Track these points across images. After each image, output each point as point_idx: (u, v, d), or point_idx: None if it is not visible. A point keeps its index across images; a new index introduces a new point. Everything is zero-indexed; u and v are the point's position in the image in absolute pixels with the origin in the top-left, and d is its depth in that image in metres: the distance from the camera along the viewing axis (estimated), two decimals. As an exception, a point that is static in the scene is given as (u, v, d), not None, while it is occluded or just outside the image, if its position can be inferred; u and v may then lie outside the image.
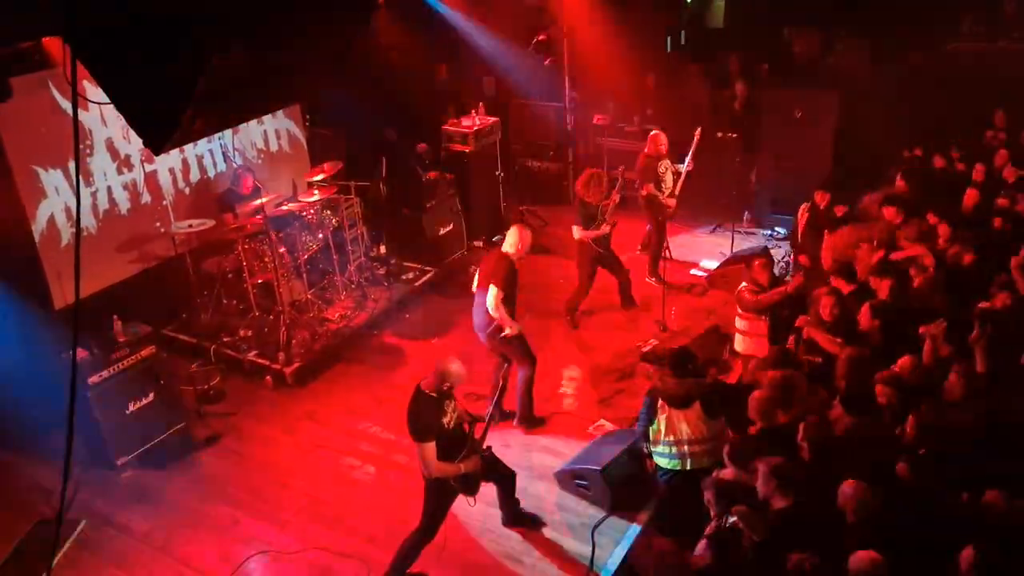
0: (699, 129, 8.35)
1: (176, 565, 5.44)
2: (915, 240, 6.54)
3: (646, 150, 8.38)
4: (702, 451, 4.98)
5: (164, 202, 7.95)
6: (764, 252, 7.53)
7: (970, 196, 7.30)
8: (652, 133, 8.40)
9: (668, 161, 8.35)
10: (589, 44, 10.29)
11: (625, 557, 5.08)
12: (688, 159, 8.31)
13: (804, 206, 7.46)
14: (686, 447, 4.98)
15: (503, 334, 6.08)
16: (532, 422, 6.58)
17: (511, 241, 6.18)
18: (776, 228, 9.64)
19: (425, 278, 8.89)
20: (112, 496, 6.05)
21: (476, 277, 6.40)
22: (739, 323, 6.43)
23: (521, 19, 10.45)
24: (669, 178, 8.37)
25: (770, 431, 4.75)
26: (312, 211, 8.04)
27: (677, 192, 8.34)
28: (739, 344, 6.47)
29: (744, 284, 6.32)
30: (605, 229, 7.60)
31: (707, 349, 6.99)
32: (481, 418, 5.03)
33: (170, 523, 5.80)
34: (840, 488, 3.93)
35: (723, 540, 3.99)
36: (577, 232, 7.64)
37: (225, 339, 7.64)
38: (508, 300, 6.09)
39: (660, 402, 5.00)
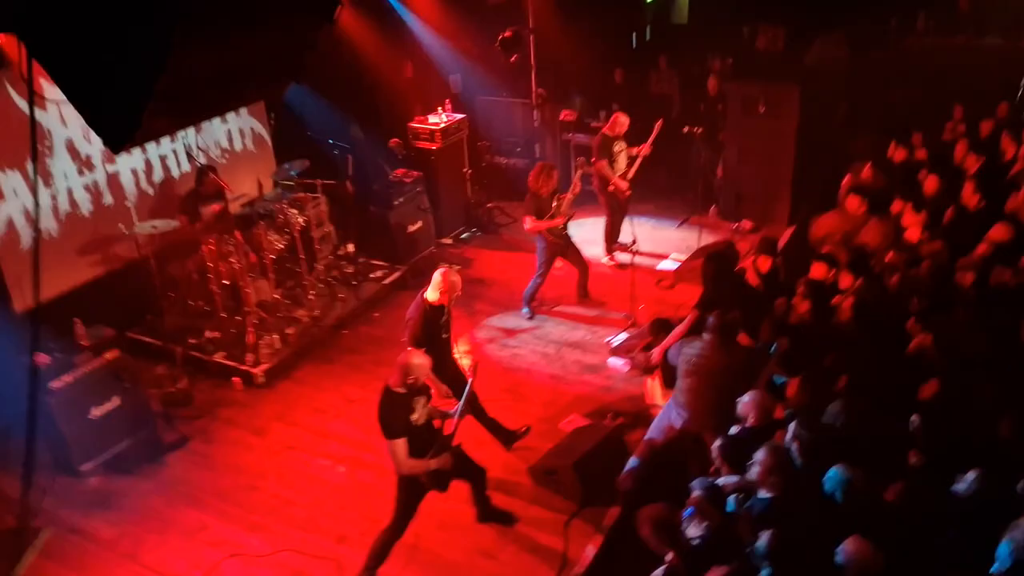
0: (660, 120, 8.58)
1: (144, 572, 5.36)
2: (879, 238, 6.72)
3: (604, 129, 8.58)
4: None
5: (127, 203, 7.80)
6: (730, 246, 7.62)
7: (931, 182, 7.49)
8: (615, 114, 8.62)
9: (624, 144, 8.59)
10: (555, 40, 10.33)
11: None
12: (645, 145, 8.56)
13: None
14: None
15: None
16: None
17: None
18: (742, 221, 9.75)
19: (394, 276, 8.84)
20: (76, 503, 5.93)
21: None
22: None
23: (487, 15, 10.44)
24: (623, 160, 8.62)
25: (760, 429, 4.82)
26: (278, 210, 7.96)
27: (630, 176, 8.59)
28: None
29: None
30: (558, 221, 7.67)
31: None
32: (451, 414, 5.03)
33: (137, 529, 5.71)
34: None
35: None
36: (528, 223, 7.67)
37: (191, 341, 7.53)
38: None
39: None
